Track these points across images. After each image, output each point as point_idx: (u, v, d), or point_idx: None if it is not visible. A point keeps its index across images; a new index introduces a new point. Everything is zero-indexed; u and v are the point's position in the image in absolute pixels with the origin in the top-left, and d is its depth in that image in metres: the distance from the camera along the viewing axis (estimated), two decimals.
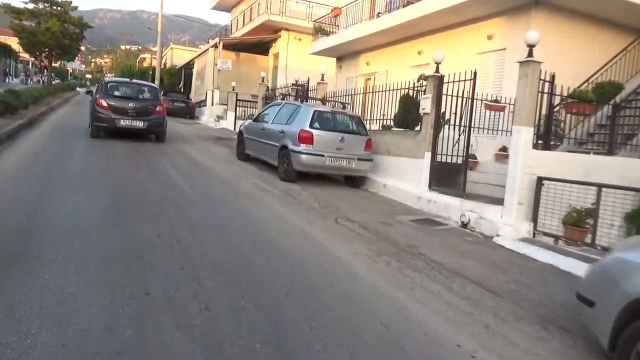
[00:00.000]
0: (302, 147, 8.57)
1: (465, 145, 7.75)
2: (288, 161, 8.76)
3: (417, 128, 9.05)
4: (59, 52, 30.42)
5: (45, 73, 37.11)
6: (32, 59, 44.71)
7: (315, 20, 19.16)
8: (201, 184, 7.75)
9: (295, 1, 24.02)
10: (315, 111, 8.93)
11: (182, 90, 32.75)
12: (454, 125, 8.49)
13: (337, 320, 3.27)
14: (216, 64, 24.11)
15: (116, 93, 12.11)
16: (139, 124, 11.58)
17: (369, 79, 16.08)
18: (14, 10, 27.66)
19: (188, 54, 39.42)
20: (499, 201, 7.03)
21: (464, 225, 7.01)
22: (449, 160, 8.43)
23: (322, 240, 5.25)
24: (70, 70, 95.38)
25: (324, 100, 11.28)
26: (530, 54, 6.66)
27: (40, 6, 28.52)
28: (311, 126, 8.68)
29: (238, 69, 24.49)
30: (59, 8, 28.93)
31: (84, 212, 5.10)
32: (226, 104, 21.42)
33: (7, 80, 43.39)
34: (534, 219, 6.51)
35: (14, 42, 41.31)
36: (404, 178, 8.97)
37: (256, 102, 18.90)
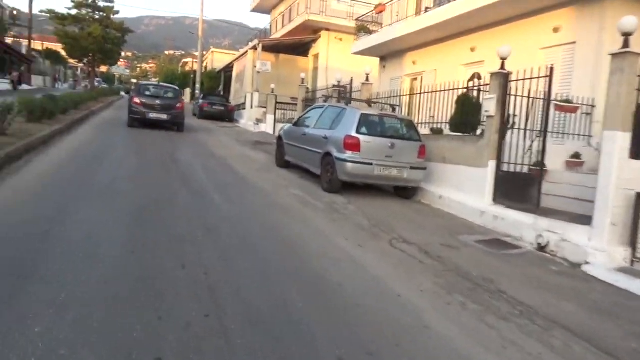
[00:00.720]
0: (348, 154, 7.68)
1: (541, 152, 6.66)
2: (332, 170, 7.90)
3: (478, 132, 8.03)
4: (101, 56, 30.81)
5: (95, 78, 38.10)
6: (80, 64, 45.96)
7: (357, 19, 18.29)
8: (236, 196, 7.01)
9: (336, 0, 23.20)
10: (362, 114, 8.03)
11: (221, 93, 32.58)
12: (522, 129, 7.43)
13: None
14: (255, 66, 23.60)
15: (147, 93, 15.23)
16: (163, 116, 14.62)
17: (416, 79, 15.06)
18: (58, 17, 28.19)
19: (228, 57, 39.35)
20: (582, 219, 5.94)
21: (541, 248, 5.93)
22: (513, 170, 7.38)
23: (378, 271, 4.35)
24: (118, 76, 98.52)
25: (369, 102, 10.35)
26: (626, 44, 5.52)
27: (83, 12, 28.95)
28: (358, 131, 7.78)
29: (277, 71, 23.89)
30: (101, 13, 29.30)
31: (101, 234, 4.40)
32: (265, 107, 20.82)
33: (56, 85, 44.82)
34: (633, 244, 5.37)
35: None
36: (463, 189, 7.94)
37: (296, 104, 18.18)
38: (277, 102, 19.88)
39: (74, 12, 28.45)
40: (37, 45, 48.18)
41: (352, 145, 7.67)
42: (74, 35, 27.36)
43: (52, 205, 5.19)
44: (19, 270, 3.39)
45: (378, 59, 17.33)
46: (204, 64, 42.07)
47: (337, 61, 22.31)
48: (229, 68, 33.64)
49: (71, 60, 43.25)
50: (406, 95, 12.79)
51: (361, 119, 7.89)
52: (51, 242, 3.99)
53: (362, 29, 16.64)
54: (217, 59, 44.18)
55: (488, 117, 7.49)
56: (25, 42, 41.54)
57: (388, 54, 16.46)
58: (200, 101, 25.10)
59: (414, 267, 4.62)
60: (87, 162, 8.30)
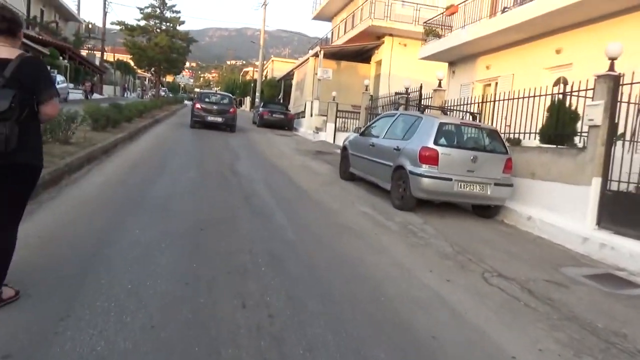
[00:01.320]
0: (424, 168, 6.86)
1: None
2: (405, 186, 7.09)
3: (576, 144, 6.97)
4: (166, 66, 31.70)
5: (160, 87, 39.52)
6: (148, 74, 47.93)
7: (425, 22, 17.37)
8: (301, 214, 6.37)
9: (400, 4, 22.35)
10: (440, 123, 7.18)
11: (281, 101, 32.53)
12: (631, 141, 6.32)
13: None
14: (316, 74, 23.18)
15: (206, 100, 18.51)
16: (219, 119, 17.57)
17: (489, 84, 13.94)
18: (127, 28, 29.34)
19: (287, 65, 39.46)
20: None
21: None
22: (623, 189, 6.27)
23: (477, 317, 3.51)
24: (182, 85, 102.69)
25: (443, 110, 9.46)
26: None
27: (151, 23, 29.93)
28: (436, 142, 6.95)
29: (338, 78, 23.32)
30: (168, 24, 30.17)
31: (153, 261, 3.86)
32: (325, 115, 20.27)
33: (125, 94, 46.97)
34: None
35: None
36: (557, 209, 6.89)
37: (357, 112, 17.50)
38: (337, 110, 19.28)
39: (142, 23, 29.55)
40: (109, 56, 50.72)
41: (429, 158, 6.84)
42: (142, 46, 28.36)
43: (103, 223, 4.77)
44: (54, 309, 2.87)
45: (446, 65, 16.32)
46: (264, 73, 42.46)
47: (400, 68, 21.43)
48: (289, 76, 33.61)
49: (139, 70, 45.11)
50: (488, 101, 11.78)
51: (439, 129, 7.05)
52: (95, 271, 3.49)
53: (431, 33, 15.70)
54: (277, 68, 44.51)
55: (592, 127, 6.43)
56: (98, 54, 43.78)
57: (458, 58, 15.41)
58: (261, 109, 25.02)
59: (520, 312, 3.74)
60: (146, 172, 8.00)
